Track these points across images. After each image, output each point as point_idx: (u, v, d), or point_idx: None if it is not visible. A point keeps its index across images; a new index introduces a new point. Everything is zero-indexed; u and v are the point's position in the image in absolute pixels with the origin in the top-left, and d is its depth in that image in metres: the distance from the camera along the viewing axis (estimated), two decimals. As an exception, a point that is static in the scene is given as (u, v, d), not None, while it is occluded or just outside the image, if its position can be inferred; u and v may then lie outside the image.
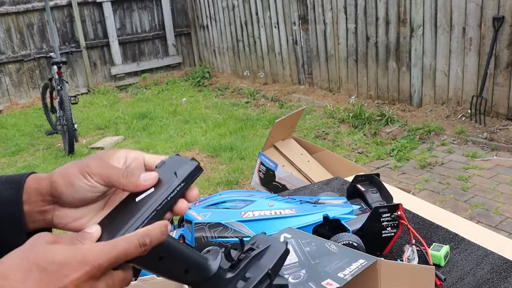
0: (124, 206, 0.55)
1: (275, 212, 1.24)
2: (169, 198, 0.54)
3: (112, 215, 0.54)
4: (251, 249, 0.59)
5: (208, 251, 0.58)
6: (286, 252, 0.59)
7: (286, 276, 0.89)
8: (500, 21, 4.30)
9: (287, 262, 0.93)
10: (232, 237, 1.18)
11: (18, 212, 0.58)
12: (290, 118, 2.94)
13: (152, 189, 0.55)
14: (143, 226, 0.51)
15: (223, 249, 0.58)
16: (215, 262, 0.55)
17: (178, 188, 0.54)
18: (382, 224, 1.23)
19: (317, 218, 1.24)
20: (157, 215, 0.53)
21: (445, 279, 1.13)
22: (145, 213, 0.52)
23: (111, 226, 0.52)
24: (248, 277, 0.56)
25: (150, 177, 0.56)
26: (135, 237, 0.49)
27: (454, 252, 1.24)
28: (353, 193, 1.46)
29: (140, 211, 0.52)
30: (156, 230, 0.50)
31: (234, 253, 0.58)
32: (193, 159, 0.57)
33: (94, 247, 0.47)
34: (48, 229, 0.59)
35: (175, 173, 0.55)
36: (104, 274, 0.47)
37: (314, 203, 1.35)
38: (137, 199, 0.54)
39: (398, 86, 5.38)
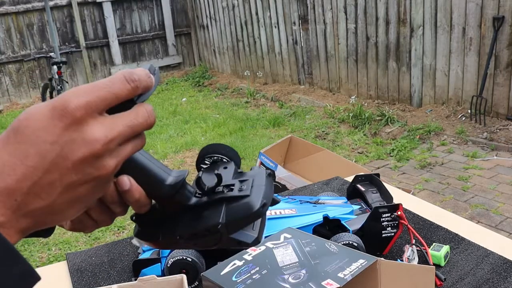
0: None
1: (275, 212, 1.24)
2: None
3: None
4: (231, 187, 0.50)
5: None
6: (256, 214, 0.48)
7: (285, 276, 0.89)
8: (500, 21, 4.30)
9: (287, 262, 0.93)
10: (232, 237, 1.17)
11: None
12: (277, 147, 3.02)
13: None
14: None
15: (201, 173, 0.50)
16: (174, 182, 0.48)
17: None
18: (382, 224, 1.23)
19: (317, 218, 1.24)
20: None
21: (445, 279, 1.13)
22: None
23: None
24: (204, 216, 0.49)
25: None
26: (119, 73, 0.42)
27: (454, 252, 1.24)
28: (353, 193, 1.46)
29: None
30: (141, 70, 0.44)
31: (210, 182, 0.50)
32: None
33: (73, 93, 0.40)
34: None
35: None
36: (94, 117, 0.40)
37: (314, 203, 1.35)
38: None
39: (398, 86, 5.39)
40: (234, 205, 0.49)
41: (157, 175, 0.47)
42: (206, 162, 0.54)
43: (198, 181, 0.50)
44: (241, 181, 0.51)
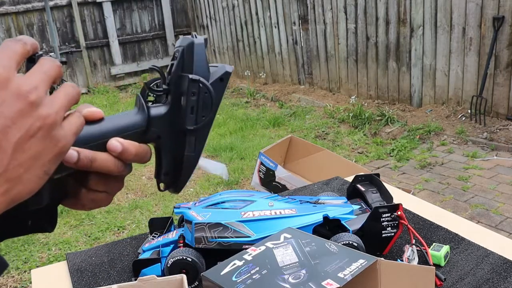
0: None
1: (275, 212, 1.24)
2: None
3: None
4: (173, 62, 0.53)
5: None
6: (197, 44, 0.52)
7: (285, 276, 0.89)
8: (500, 21, 4.30)
9: (287, 262, 0.93)
10: (232, 237, 1.18)
11: None
12: (277, 147, 3.03)
13: None
14: None
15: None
16: (140, 111, 0.51)
17: None
18: (382, 224, 1.23)
19: (317, 218, 1.24)
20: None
21: (445, 279, 1.13)
22: None
23: None
24: (184, 97, 0.52)
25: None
26: (3, 42, 0.45)
27: (454, 252, 1.24)
28: (353, 193, 1.46)
29: None
30: (20, 36, 0.46)
31: (156, 82, 0.53)
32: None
33: None
34: None
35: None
36: (13, 75, 0.42)
37: (314, 203, 1.35)
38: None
39: (398, 86, 5.39)
40: (185, 63, 0.52)
41: (130, 122, 0.50)
42: (150, 100, 0.55)
43: (150, 89, 0.53)
44: (173, 56, 0.54)
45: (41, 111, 0.41)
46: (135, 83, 8.23)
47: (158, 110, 0.52)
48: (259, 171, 3.07)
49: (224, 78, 0.54)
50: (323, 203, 1.35)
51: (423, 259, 1.19)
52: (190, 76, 0.52)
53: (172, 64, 0.53)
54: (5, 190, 0.40)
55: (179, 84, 0.52)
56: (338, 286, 0.84)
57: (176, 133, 0.53)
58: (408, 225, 1.22)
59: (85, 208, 0.51)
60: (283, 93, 6.62)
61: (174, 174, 0.54)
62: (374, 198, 1.39)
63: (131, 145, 0.48)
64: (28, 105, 0.40)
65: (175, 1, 8.50)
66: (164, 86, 0.52)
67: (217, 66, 0.54)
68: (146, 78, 8.25)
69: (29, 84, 0.41)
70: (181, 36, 0.56)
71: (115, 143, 0.47)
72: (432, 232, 1.34)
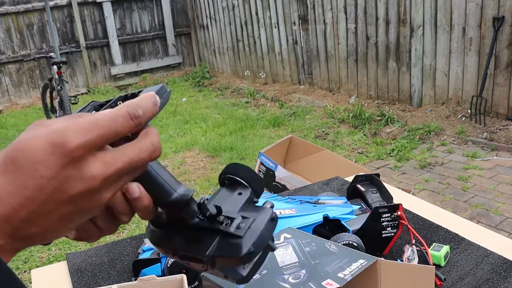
0: None
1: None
2: None
3: None
4: (230, 221, 0.49)
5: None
6: (241, 259, 0.48)
7: (285, 276, 0.88)
8: (500, 21, 4.30)
9: (287, 262, 0.93)
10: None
11: None
12: (277, 147, 3.03)
13: None
14: None
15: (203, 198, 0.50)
16: (177, 200, 0.48)
17: None
18: (382, 224, 1.23)
19: (317, 218, 1.24)
20: None
21: (445, 279, 1.13)
22: None
23: None
24: (198, 241, 0.49)
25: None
26: (123, 108, 0.42)
27: (454, 252, 1.24)
28: (353, 193, 1.46)
29: None
30: (147, 101, 0.43)
31: (213, 208, 0.50)
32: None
33: (68, 125, 0.39)
34: None
35: None
36: (93, 154, 0.40)
37: (314, 203, 1.35)
38: None
39: (398, 86, 5.38)
40: (226, 242, 0.49)
41: (164, 189, 0.48)
42: (229, 177, 0.55)
43: (201, 206, 0.50)
44: (244, 217, 0.50)
45: (99, 196, 0.41)
46: (135, 83, 8.23)
47: (191, 216, 0.49)
48: (259, 171, 3.07)
49: (231, 280, 0.51)
50: (323, 203, 1.35)
51: (423, 259, 1.19)
52: (206, 256, 0.49)
53: (231, 219, 0.50)
54: (36, 242, 0.41)
55: (211, 235, 0.49)
56: (338, 286, 0.84)
57: (176, 238, 0.51)
58: (408, 225, 1.22)
59: (76, 236, 0.49)
60: (283, 93, 6.62)
61: (159, 237, 0.53)
62: (374, 198, 1.39)
63: (146, 198, 0.46)
64: (90, 191, 0.40)
65: (175, 1, 8.50)
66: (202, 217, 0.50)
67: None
68: (146, 78, 8.25)
69: (102, 172, 0.40)
70: (268, 211, 0.52)
71: (136, 188, 0.46)
72: (432, 232, 1.33)
